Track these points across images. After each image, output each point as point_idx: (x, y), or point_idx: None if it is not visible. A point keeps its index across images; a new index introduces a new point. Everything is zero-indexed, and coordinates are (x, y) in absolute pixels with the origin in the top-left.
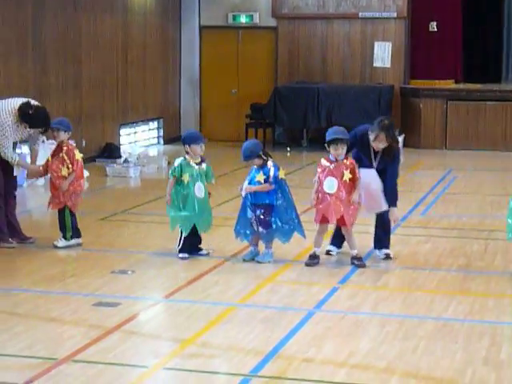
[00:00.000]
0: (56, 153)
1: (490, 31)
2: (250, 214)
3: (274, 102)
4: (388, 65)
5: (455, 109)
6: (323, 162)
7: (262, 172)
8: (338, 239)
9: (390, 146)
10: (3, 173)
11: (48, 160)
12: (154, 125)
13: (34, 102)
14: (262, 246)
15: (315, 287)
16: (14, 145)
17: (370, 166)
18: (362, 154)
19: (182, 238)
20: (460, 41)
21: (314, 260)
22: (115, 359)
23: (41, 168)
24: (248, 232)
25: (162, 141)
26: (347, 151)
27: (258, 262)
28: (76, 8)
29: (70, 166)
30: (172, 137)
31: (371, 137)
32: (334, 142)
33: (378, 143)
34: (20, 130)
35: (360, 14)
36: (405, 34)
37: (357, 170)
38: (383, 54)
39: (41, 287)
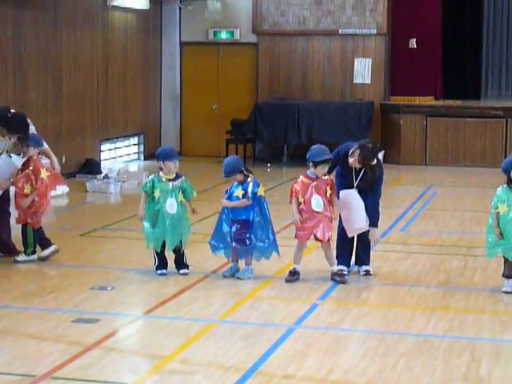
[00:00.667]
0: (23, 168)
1: (469, 48)
2: (225, 228)
3: (255, 118)
4: (368, 81)
5: (435, 125)
6: (303, 179)
7: (240, 187)
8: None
9: (368, 172)
10: None
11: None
12: (134, 140)
13: (13, 109)
14: (242, 262)
15: (295, 303)
16: None
17: (351, 185)
18: (343, 172)
19: (155, 256)
20: (440, 57)
21: (293, 276)
22: (94, 376)
23: (11, 180)
24: (222, 246)
25: (142, 156)
26: (330, 169)
27: (238, 279)
28: (56, 24)
29: (34, 183)
30: (152, 152)
31: (350, 153)
32: (324, 162)
33: (352, 160)
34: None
35: (340, 30)
36: (385, 50)
37: (334, 186)
38: (363, 71)
39: (20, 303)
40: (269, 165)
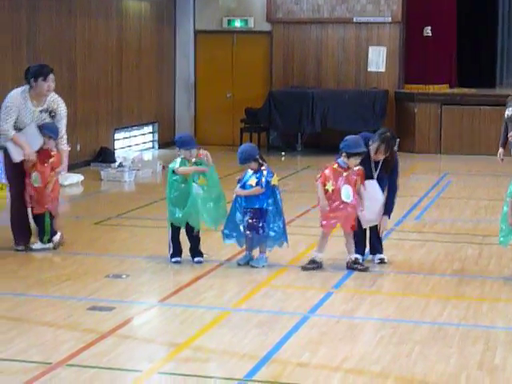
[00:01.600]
0: (45, 158)
1: (484, 36)
2: (238, 217)
3: (269, 107)
4: (382, 69)
5: (450, 113)
6: (335, 167)
7: (254, 176)
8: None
9: (389, 159)
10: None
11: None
12: (148, 129)
13: None
14: (256, 250)
15: (310, 291)
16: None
17: (371, 177)
18: (362, 163)
19: (171, 243)
20: (455, 45)
21: (313, 265)
22: (109, 363)
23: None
24: (235, 234)
25: (156, 145)
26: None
27: (253, 267)
28: (71, 12)
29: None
30: (167, 141)
31: (372, 148)
32: (358, 154)
33: (379, 155)
34: (29, 109)
35: (355, 18)
36: (399, 38)
37: (364, 177)
38: (378, 59)
39: (35, 291)
40: (283, 153)
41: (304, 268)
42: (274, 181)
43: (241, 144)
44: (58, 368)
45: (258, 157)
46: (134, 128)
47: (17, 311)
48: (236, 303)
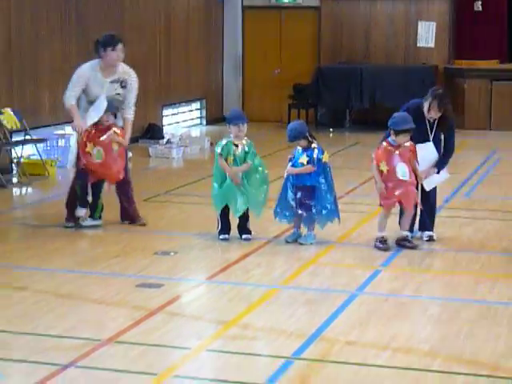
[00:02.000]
0: (104, 132)
1: None
2: (290, 195)
3: (317, 83)
4: (432, 45)
5: (500, 89)
6: (386, 146)
7: (305, 154)
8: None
9: (444, 117)
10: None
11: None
12: (196, 105)
13: None
14: (304, 228)
15: (358, 269)
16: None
17: (427, 139)
18: (417, 127)
19: (219, 219)
20: (506, 21)
21: (385, 244)
22: (158, 340)
23: (83, 129)
24: (287, 214)
25: (204, 121)
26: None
27: (301, 244)
28: None
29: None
30: (215, 117)
31: (425, 106)
32: (406, 131)
33: (432, 112)
34: (99, 80)
35: None
36: (449, 13)
37: (416, 152)
38: (427, 34)
39: (84, 268)
40: (331, 130)
41: (380, 248)
42: (325, 158)
43: (289, 120)
44: (106, 345)
45: (307, 134)
46: (182, 104)
47: (66, 288)
48: (284, 281)
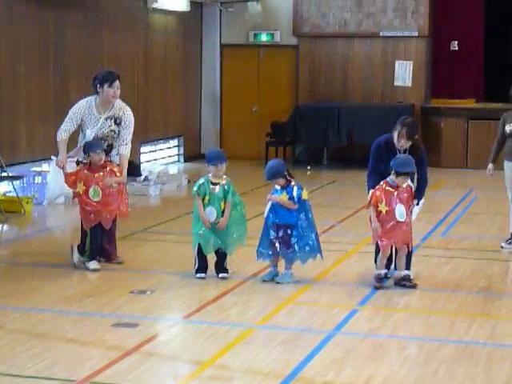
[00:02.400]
0: (99, 171)
1: (511, 50)
2: (272, 234)
3: (295, 121)
4: (409, 84)
5: (476, 128)
6: (386, 187)
7: (285, 192)
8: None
9: (416, 146)
10: None
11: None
12: (174, 142)
13: None
14: (281, 266)
15: (335, 309)
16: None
17: None
18: (388, 159)
19: (196, 258)
20: (481, 60)
21: (382, 282)
22: (134, 381)
23: (68, 172)
24: (270, 253)
25: (182, 159)
26: (373, 163)
27: (278, 283)
28: (97, 25)
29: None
30: (192, 154)
31: (395, 135)
32: (406, 174)
33: (402, 140)
34: (94, 116)
35: (381, 32)
36: (426, 52)
37: (413, 194)
38: (404, 73)
39: (59, 307)
40: (309, 167)
41: (378, 287)
42: (305, 195)
43: (267, 158)
44: None
45: (285, 173)
46: (160, 142)
47: (41, 327)
48: (261, 320)
